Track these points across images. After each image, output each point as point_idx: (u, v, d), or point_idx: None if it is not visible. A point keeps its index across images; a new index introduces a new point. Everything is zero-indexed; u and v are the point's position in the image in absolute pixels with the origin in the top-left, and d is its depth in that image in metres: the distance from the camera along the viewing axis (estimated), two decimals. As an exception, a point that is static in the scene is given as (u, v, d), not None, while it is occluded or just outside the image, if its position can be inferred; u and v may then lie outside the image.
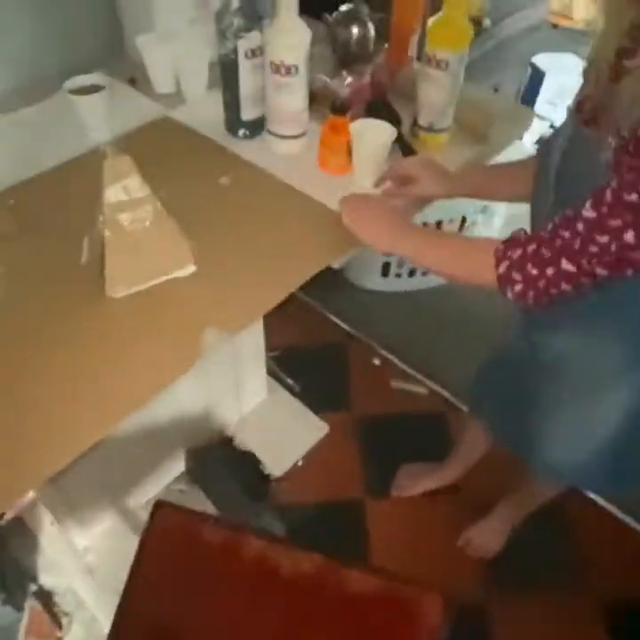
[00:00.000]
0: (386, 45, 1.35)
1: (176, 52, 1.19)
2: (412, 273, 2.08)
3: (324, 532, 1.51)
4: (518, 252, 0.74)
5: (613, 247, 0.66)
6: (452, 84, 1.07)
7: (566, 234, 0.70)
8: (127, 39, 1.32)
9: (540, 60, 2.47)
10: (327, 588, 0.95)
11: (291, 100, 1.04)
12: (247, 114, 1.11)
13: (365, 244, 0.91)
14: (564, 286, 0.71)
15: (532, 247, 0.73)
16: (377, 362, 1.94)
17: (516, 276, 0.74)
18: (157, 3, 1.21)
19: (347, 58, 1.35)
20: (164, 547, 1.04)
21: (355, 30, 1.31)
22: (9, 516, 1.44)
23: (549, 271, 0.71)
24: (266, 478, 1.61)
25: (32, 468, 0.70)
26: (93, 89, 1.10)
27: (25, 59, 1.26)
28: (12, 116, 1.18)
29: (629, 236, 0.65)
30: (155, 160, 1.05)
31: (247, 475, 1.60)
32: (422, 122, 1.13)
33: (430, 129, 1.13)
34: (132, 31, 1.28)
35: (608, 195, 0.65)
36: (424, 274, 2.08)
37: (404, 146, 1.12)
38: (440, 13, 1.01)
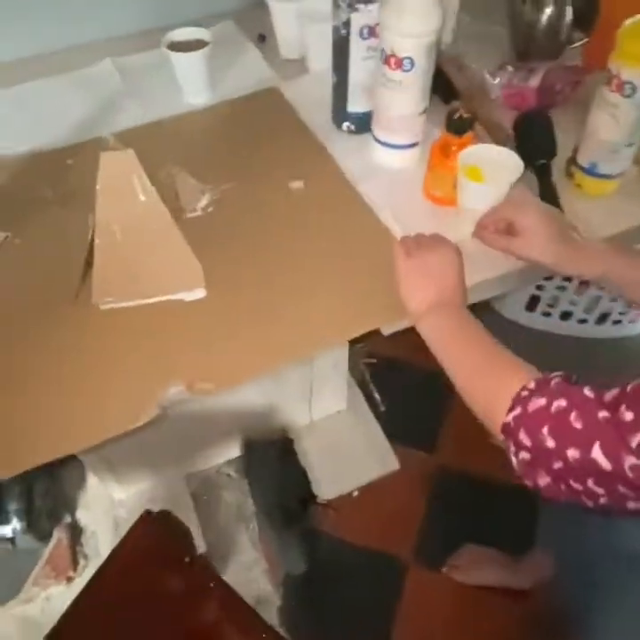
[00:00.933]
0: (584, 40, 1.01)
1: (306, 14, 0.98)
2: (566, 315, 1.70)
3: (353, 581, 1.34)
4: (540, 402, 0.51)
5: None
6: (636, 118, 0.73)
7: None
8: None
9: None
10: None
11: (400, 100, 0.79)
12: (355, 105, 0.88)
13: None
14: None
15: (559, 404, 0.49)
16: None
17: (524, 438, 0.51)
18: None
19: (529, 47, 1.03)
20: (132, 560, 0.96)
21: (547, 12, 0.98)
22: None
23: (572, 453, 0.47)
24: (312, 498, 1.47)
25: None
26: (197, 45, 0.95)
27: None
28: (124, 59, 1.09)
29: None
30: (235, 144, 0.91)
31: (294, 487, 1.47)
32: (582, 160, 0.81)
33: (591, 171, 0.81)
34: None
35: None
36: (582, 321, 1.70)
37: (544, 187, 0.81)
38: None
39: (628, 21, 0.69)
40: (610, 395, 0.49)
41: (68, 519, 1.46)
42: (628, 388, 0.48)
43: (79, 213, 0.81)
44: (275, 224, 0.81)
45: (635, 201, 0.83)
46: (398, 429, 1.57)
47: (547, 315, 1.72)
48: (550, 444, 0.49)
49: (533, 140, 0.84)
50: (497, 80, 0.96)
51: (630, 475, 0.45)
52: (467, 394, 0.62)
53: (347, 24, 0.79)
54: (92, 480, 1.50)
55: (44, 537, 1.38)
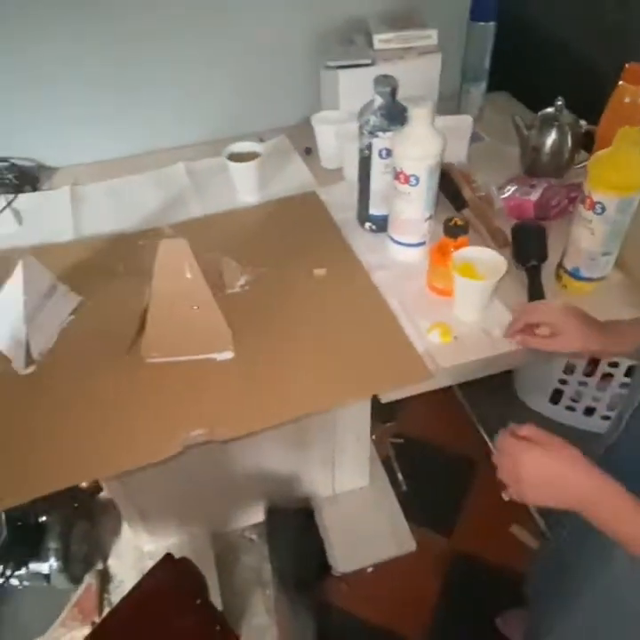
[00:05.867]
0: (587, 161, 1.15)
1: (343, 134, 1.19)
2: (589, 411, 1.74)
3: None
4: None
5: None
6: (610, 231, 0.85)
7: None
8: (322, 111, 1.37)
9: None
10: None
11: (408, 208, 0.95)
12: (375, 209, 1.06)
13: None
14: None
15: None
16: (506, 497, 1.66)
17: None
18: (342, 83, 1.22)
19: (535, 166, 1.19)
20: (148, 595, 1.05)
21: (551, 137, 1.15)
22: (104, 493, 1.64)
23: None
24: (327, 569, 1.52)
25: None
26: (252, 156, 1.16)
27: (228, 117, 1.39)
28: (194, 163, 1.32)
29: None
30: (273, 235, 1.09)
31: (308, 557, 1.53)
32: (568, 264, 0.93)
33: (575, 275, 0.93)
34: (325, 106, 1.32)
35: None
36: (606, 417, 1.73)
37: (534, 288, 0.94)
38: (608, 148, 0.82)
39: (597, 153, 0.83)
40: None
41: (99, 565, 1.55)
42: None
43: (140, 285, 0.99)
44: (298, 302, 0.96)
45: (611, 301, 0.93)
46: (418, 511, 1.61)
47: (571, 409, 1.76)
48: None
49: (527, 245, 0.98)
50: (503, 193, 1.11)
51: None
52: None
53: (369, 146, 0.97)
54: (126, 531, 1.61)
55: (77, 580, 1.48)
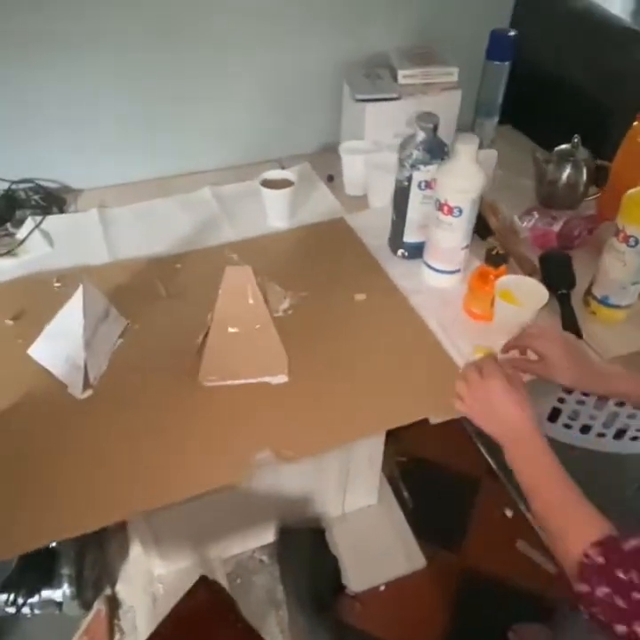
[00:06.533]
0: (597, 195, 1.23)
1: (370, 163, 1.23)
2: (585, 429, 1.81)
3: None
4: (620, 573, 0.57)
5: None
6: (639, 262, 0.92)
7: None
8: (342, 142, 1.41)
9: None
10: None
11: (449, 238, 1.00)
12: (409, 237, 1.10)
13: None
14: None
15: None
16: (509, 513, 1.72)
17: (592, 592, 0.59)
18: (368, 115, 1.27)
19: (551, 198, 1.26)
20: (188, 615, 1.05)
21: (566, 172, 1.22)
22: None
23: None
24: (341, 589, 1.53)
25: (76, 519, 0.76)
26: (284, 183, 1.20)
27: (252, 144, 1.43)
28: (220, 188, 1.34)
29: None
30: (310, 260, 1.12)
31: (324, 577, 1.54)
32: (597, 292, 1.00)
33: (604, 302, 0.99)
34: (347, 137, 1.37)
35: None
36: (601, 435, 1.80)
37: (566, 313, 0.99)
38: (641, 186, 0.89)
39: (632, 191, 0.90)
40: None
41: (108, 591, 1.53)
42: None
43: (187, 308, 1.01)
44: (343, 325, 0.99)
45: (637, 327, 1.00)
46: (425, 528, 1.65)
47: (567, 427, 1.83)
48: (619, 629, 0.56)
49: (556, 274, 1.04)
50: (525, 223, 1.17)
51: None
52: (540, 522, 0.69)
53: (409, 178, 1.02)
54: (134, 554, 1.58)
55: (87, 606, 1.44)
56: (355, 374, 0.92)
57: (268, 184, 1.20)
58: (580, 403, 1.75)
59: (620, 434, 1.79)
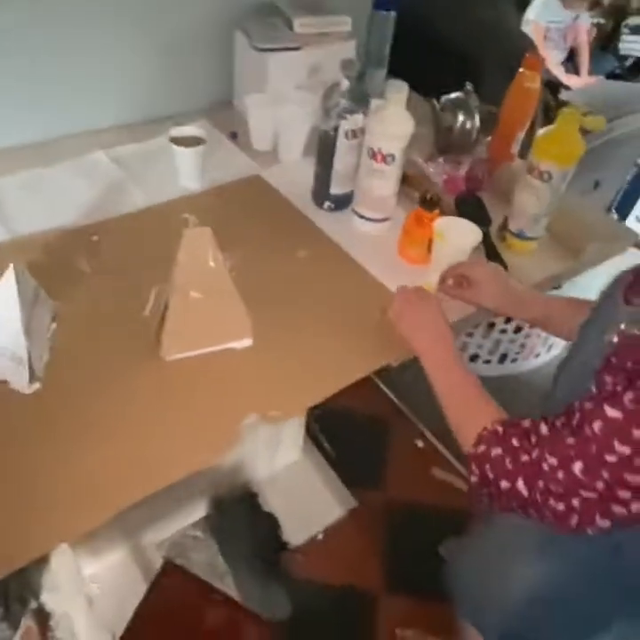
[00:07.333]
0: (489, 138, 1.33)
1: (279, 115, 1.20)
2: (474, 358, 2.00)
3: (329, 618, 1.43)
4: (496, 451, 0.66)
5: None
6: (552, 196, 1.02)
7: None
8: (237, 94, 1.35)
9: (648, 162, 2.39)
10: None
11: (381, 186, 1.02)
12: (336, 188, 1.10)
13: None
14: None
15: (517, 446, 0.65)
16: (420, 444, 1.86)
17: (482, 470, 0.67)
18: (272, 66, 1.23)
19: (447, 144, 1.33)
20: (167, 606, 1.00)
21: (460, 118, 1.29)
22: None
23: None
24: (283, 545, 1.56)
25: (59, 525, 0.69)
26: (195, 141, 1.12)
27: (140, 99, 1.31)
28: (116, 150, 1.22)
29: None
30: (238, 219, 1.07)
31: (264, 537, 1.55)
32: (513, 227, 1.09)
33: (520, 235, 1.09)
34: (244, 88, 1.31)
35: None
36: (487, 362, 2.01)
37: (489, 248, 1.08)
38: (553, 126, 0.98)
39: (542, 130, 0.99)
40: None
41: (33, 605, 1.39)
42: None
43: (119, 282, 0.93)
44: (292, 283, 0.98)
45: (548, 256, 1.12)
46: (350, 473, 1.72)
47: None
48: (504, 484, 0.65)
49: (473, 214, 1.11)
50: (432, 169, 1.23)
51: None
52: (454, 422, 0.75)
53: (335, 129, 1.02)
54: (57, 561, 1.46)
55: (16, 625, 1.31)
56: (316, 328, 0.92)
57: (177, 142, 1.12)
58: (469, 334, 1.93)
59: (502, 358, 2.01)
